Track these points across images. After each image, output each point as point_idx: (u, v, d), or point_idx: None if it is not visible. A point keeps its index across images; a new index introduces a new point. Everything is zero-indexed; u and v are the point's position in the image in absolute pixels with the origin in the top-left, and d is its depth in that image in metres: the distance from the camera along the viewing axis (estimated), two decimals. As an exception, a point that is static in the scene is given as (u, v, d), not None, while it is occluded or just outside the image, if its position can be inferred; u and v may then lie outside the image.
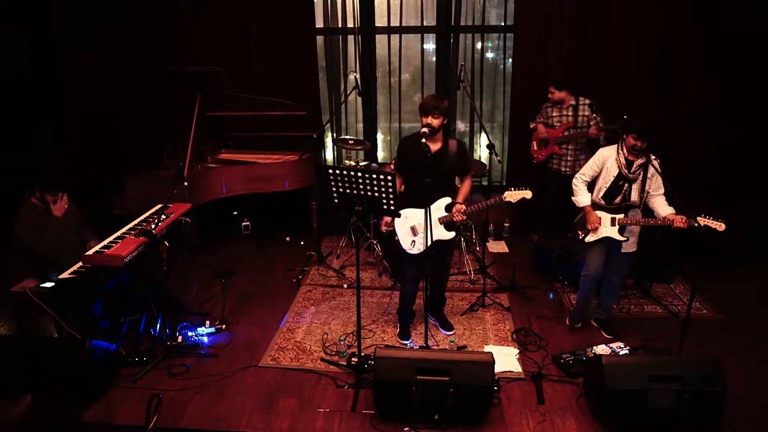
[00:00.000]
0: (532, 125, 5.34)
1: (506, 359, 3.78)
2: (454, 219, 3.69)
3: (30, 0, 5.90)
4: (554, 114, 5.16)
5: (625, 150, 3.75)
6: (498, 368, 3.46)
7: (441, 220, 3.73)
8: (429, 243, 3.49)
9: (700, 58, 5.21)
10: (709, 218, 3.52)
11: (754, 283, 4.86)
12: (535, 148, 5.32)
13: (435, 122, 3.52)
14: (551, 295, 4.75)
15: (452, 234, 3.76)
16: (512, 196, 3.69)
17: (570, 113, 5.08)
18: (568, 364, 3.67)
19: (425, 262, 3.67)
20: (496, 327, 4.25)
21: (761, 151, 5.19)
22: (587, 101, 5.05)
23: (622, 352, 3.74)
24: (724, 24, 5.07)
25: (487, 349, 3.93)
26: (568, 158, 5.13)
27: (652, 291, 4.71)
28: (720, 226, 3.48)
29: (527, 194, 3.69)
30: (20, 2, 5.94)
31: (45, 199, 3.98)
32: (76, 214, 4.20)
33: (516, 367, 3.72)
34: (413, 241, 3.76)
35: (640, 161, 3.72)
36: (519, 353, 3.88)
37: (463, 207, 3.71)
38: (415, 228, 3.76)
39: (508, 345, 4.02)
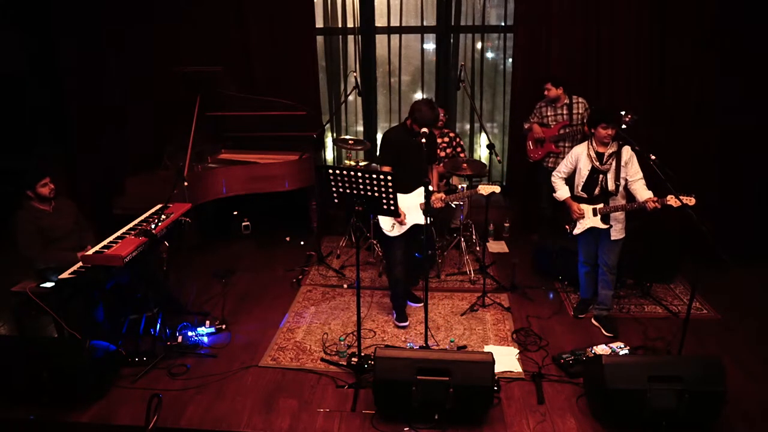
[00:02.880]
0: (526, 126, 5.34)
1: (506, 359, 3.78)
2: (434, 206, 4.03)
3: (30, 0, 5.89)
4: (549, 113, 5.17)
5: (594, 144, 3.94)
6: (498, 368, 3.46)
7: (421, 206, 3.96)
8: (429, 219, 3.66)
9: (700, 57, 5.21)
10: (677, 195, 3.56)
11: (755, 283, 4.86)
12: (531, 147, 5.32)
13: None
14: (551, 295, 4.75)
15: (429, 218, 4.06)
16: (484, 189, 4.00)
17: (565, 111, 5.09)
18: (568, 364, 3.67)
19: (412, 244, 4.13)
20: (496, 327, 4.25)
21: (761, 151, 5.19)
22: (581, 99, 5.07)
23: (622, 352, 3.74)
24: (724, 23, 5.07)
25: (487, 349, 3.93)
26: (565, 156, 5.12)
27: (652, 291, 4.71)
28: (690, 200, 3.53)
29: (496, 189, 4.00)
30: (20, 2, 5.94)
31: (38, 192, 3.91)
32: (77, 215, 4.17)
33: (516, 367, 3.72)
34: (393, 224, 4.01)
35: (610, 151, 3.89)
36: (519, 353, 3.88)
37: (442, 195, 4.15)
38: None
39: (508, 345, 4.02)
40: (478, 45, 6.10)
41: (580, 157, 4.01)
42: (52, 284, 3.78)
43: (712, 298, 4.60)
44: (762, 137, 5.17)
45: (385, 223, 4.03)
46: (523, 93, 5.63)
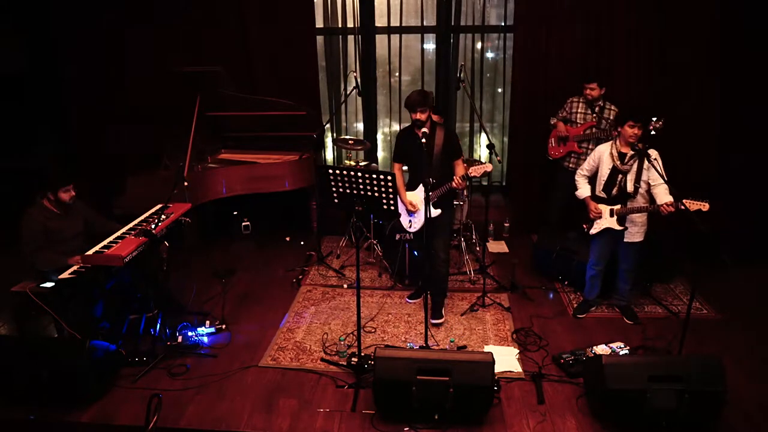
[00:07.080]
0: (553, 121, 5.20)
1: (506, 359, 3.78)
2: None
3: (30, 0, 5.90)
4: (579, 110, 5.04)
5: (619, 143, 3.92)
6: (498, 368, 3.46)
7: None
8: (429, 213, 3.71)
9: (700, 58, 5.21)
10: (692, 200, 3.55)
11: (755, 283, 4.85)
12: (553, 144, 5.22)
13: (422, 116, 3.83)
14: (551, 295, 4.76)
15: (438, 211, 4.04)
16: (476, 170, 3.94)
17: (596, 113, 5.00)
18: (568, 364, 3.67)
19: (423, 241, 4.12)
20: (496, 327, 4.26)
21: (761, 151, 5.19)
22: (613, 107, 4.91)
23: (622, 352, 3.74)
24: (724, 23, 5.07)
25: (487, 349, 3.93)
26: (586, 157, 5.06)
27: (652, 291, 4.71)
28: (704, 206, 3.53)
29: (488, 167, 3.97)
30: (20, 3, 5.94)
31: (59, 197, 3.89)
32: (86, 214, 4.12)
33: (516, 367, 3.72)
34: (410, 220, 4.22)
35: (632, 152, 3.86)
36: (519, 353, 3.88)
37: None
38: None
39: (508, 345, 4.02)
40: (478, 45, 6.10)
41: (602, 156, 4.00)
42: (52, 284, 3.78)
43: (712, 298, 4.60)
44: (762, 137, 5.17)
45: (404, 220, 4.24)
46: (523, 93, 5.63)
